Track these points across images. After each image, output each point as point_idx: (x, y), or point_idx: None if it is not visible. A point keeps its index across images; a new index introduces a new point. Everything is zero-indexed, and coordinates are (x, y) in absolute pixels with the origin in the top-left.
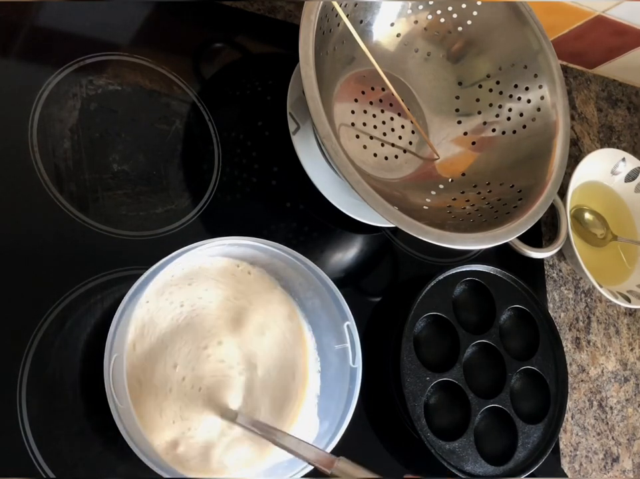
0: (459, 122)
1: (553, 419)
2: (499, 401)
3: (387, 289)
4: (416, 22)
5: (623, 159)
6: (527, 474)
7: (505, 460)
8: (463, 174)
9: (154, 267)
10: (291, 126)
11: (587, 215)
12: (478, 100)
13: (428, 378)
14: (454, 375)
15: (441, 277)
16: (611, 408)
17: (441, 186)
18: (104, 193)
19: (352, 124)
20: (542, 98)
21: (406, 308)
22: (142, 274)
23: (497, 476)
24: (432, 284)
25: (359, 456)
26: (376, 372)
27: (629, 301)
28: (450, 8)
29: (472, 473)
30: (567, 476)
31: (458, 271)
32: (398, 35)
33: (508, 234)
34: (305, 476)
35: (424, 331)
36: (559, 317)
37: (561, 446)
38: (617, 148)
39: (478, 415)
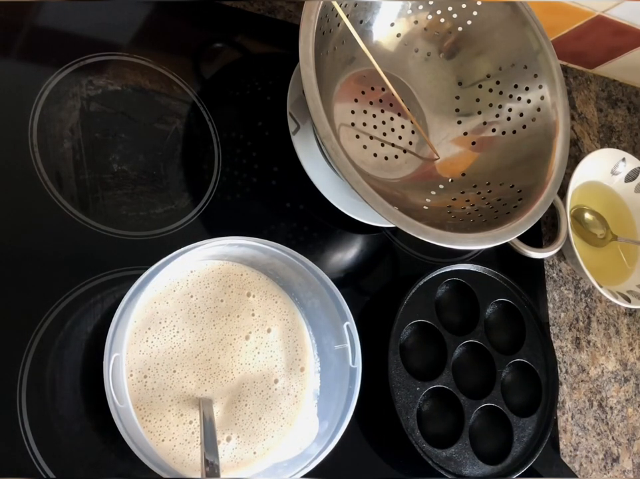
0: (459, 122)
1: (547, 408)
2: (491, 399)
3: (387, 289)
4: (416, 22)
5: (623, 160)
6: (526, 468)
7: (503, 457)
8: (463, 174)
9: (154, 267)
10: (291, 126)
11: (587, 215)
12: (478, 100)
13: (418, 389)
14: (444, 381)
15: (421, 283)
16: (611, 408)
17: (441, 186)
18: (104, 193)
19: (352, 124)
20: (542, 98)
21: (390, 319)
22: (142, 274)
23: (497, 475)
24: (413, 291)
25: (359, 456)
26: (376, 372)
27: (629, 301)
28: (450, 8)
29: (471, 476)
30: (567, 467)
31: (437, 274)
32: (398, 35)
33: (508, 234)
34: (304, 476)
35: (410, 339)
36: (559, 317)
37: (561, 446)
38: (617, 148)
39: (471, 417)
